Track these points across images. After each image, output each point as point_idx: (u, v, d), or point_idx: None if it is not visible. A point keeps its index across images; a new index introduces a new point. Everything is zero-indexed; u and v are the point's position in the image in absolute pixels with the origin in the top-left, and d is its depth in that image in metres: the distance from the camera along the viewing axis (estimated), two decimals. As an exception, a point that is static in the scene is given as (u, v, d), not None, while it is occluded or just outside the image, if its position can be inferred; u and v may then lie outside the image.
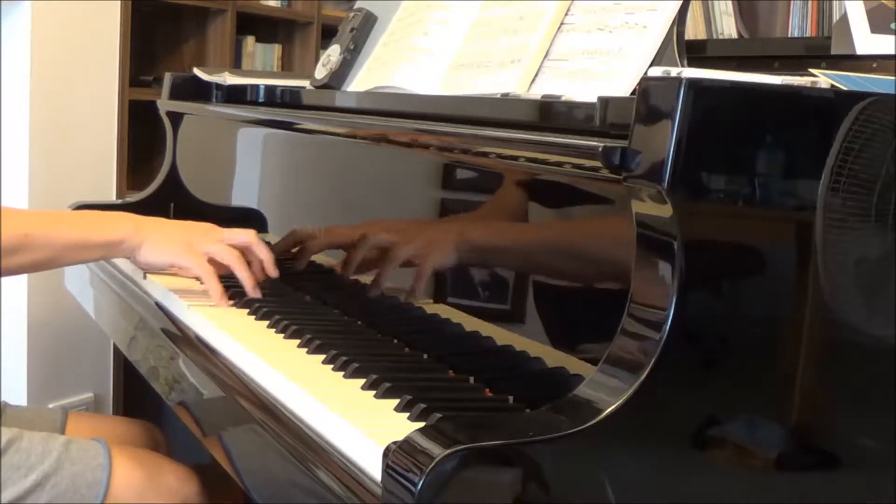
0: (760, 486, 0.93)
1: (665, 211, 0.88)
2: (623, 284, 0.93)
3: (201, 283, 1.46)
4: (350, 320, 1.40)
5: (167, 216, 1.97)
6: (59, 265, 1.48)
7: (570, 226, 1.11)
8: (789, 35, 2.03)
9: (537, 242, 1.15)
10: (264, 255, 1.45)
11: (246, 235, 1.46)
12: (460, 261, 1.24)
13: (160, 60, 3.13)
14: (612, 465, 0.86)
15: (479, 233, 1.23)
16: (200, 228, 1.47)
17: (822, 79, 1.04)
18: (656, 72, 1.12)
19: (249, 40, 3.37)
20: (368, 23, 1.72)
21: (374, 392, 1.07)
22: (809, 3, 2.01)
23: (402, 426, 0.96)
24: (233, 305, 1.44)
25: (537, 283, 1.14)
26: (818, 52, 1.63)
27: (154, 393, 1.49)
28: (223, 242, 1.44)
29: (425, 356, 1.23)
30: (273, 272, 1.46)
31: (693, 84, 0.87)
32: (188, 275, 1.49)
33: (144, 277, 1.59)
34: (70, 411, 1.69)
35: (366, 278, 1.38)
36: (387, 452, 0.85)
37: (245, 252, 1.45)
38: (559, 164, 1.03)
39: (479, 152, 1.17)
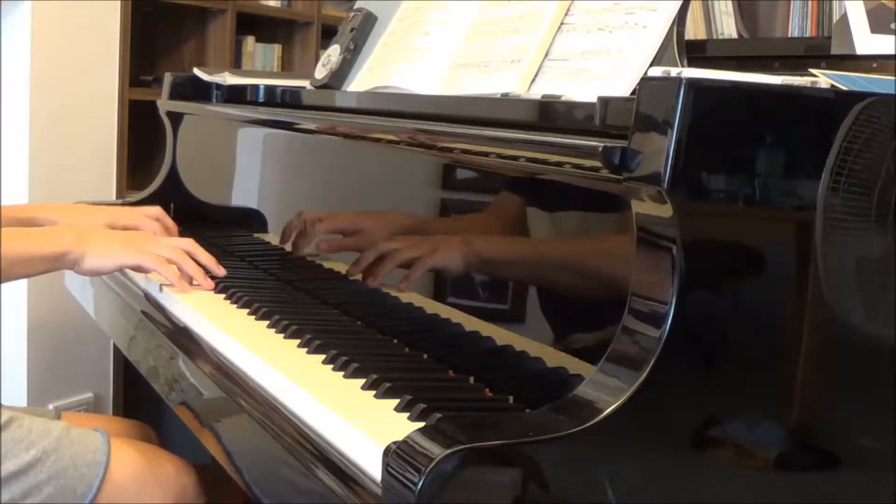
0: (760, 486, 0.93)
1: (665, 211, 0.88)
2: (623, 285, 0.93)
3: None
4: (350, 320, 1.40)
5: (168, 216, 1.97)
6: (6, 280, 1.51)
7: (570, 226, 1.11)
8: (789, 35, 2.03)
9: (539, 246, 1.15)
10: (205, 259, 1.51)
11: (187, 242, 1.51)
12: (464, 268, 1.24)
13: (160, 60, 3.12)
14: (612, 465, 0.85)
15: (484, 245, 1.23)
16: (141, 234, 1.56)
17: (822, 79, 1.04)
18: (656, 72, 1.12)
19: (249, 40, 3.37)
20: (368, 23, 1.72)
21: (374, 392, 1.07)
22: (809, 3, 2.01)
23: (402, 426, 0.95)
24: (234, 306, 1.45)
25: (537, 284, 1.14)
26: (818, 52, 1.62)
27: (154, 393, 1.49)
28: (167, 244, 1.50)
29: (425, 356, 1.23)
30: (219, 272, 1.51)
31: (693, 84, 0.87)
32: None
33: (146, 278, 1.59)
34: (62, 411, 1.70)
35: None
36: (387, 452, 0.85)
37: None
38: (559, 164, 1.03)
39: (479, 152, 1.16)
